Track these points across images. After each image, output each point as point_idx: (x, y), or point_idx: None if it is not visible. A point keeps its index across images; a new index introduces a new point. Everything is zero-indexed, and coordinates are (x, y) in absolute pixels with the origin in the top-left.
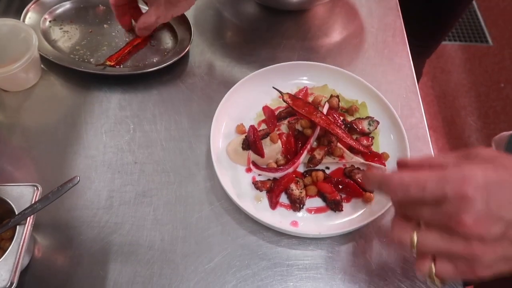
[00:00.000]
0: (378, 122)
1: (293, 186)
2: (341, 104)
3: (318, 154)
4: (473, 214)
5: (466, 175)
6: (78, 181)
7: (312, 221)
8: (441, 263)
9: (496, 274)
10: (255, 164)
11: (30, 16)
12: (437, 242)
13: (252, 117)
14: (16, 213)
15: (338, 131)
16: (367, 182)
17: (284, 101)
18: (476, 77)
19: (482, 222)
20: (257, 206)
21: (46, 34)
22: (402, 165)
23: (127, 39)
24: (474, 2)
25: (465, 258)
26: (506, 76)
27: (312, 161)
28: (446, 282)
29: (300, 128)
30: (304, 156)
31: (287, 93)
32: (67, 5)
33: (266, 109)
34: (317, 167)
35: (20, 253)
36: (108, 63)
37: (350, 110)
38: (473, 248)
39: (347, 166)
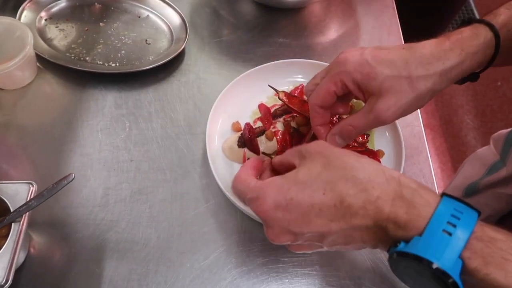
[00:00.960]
0: None
1: None
2: None
3: None
4: (269, 231)
5: (259, 197)
6: (73, 178)
7: None
8: None
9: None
10: None
11: (26, 14)
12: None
13: (248, 115)
14: (11, 211)
15: None
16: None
17: (280, 99)
18: None
19: (278, 236)
20: None
21: (42, 33)
22: (273, 163)
23: (122, 37)
24: (471, 1)
25: None
26: (503, 75)
27: None
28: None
29: (295, 126)
30: None
31: (283, 91)
32: (63, 4)
33: (262, 106)
34: None
35: (15, 250)
36: None
37: None
38: (292, 248)
39: None
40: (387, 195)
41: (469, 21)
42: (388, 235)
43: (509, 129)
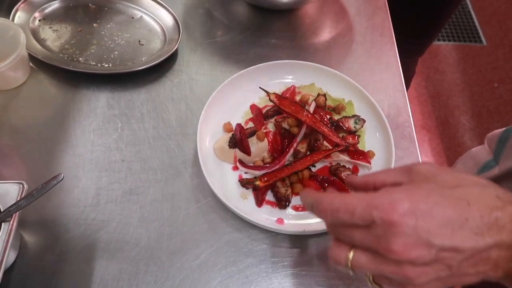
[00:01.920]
0: (364, 121)
1: (279, 184)
2: (328, 102)
3: (301, 148)
4: (401, 241)
5: (394, 201)
6: (62, 178)
7: (298, 218)
8: (375, 276)
9: None
10: (241, 162)
11: (20, 15)
12: (370, 264)
13: (240, 116)
14: (1, 211)
15: (324, 129)
16: (302, 201)
17: (271, 100)
18: (470, 77)
19: (410, 248)
20: (244, 204)
21: (35, 33)
22: (349, 183)
23: (116, 38)
24: (468, 2)
25: (397, 278)
26: (499, 76)
27: (297, 157)
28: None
29: (286, 127)
30: (290, 154)
31: (274, 93)
32: (56, 4)
33: (253, 107)
34: None
35: (5, 250)
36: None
37: (337, 109)
38: (404, 271)
39: (333, 164)
40: None
41: None
42: None
43: (503, 129)
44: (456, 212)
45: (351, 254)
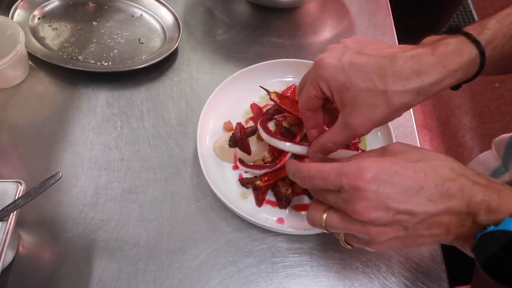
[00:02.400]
0: None
1: (279, 183)
2: None
3: None
4: (363, 203)
5: (360, 169)
6: (61, 177)
7: (298, 218)
8: (346, 236)
9: (390, 248)
10: (241, 162)
11: (19, 13)
12: (340, 223)
13: (240, 115)
14: None
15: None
16: (287, 170)
17: (271, 99)
18: None
19: (371, 210)
20: (244, 204)
21: (34, 31)
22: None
23: (115, 36)
24: (469, 2)
25: (363, 237)
26: (500, 76)
27: (297, 156)
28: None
29: (287, 126)
30: (290, 154)
31: (274, 92)
32: (56, 2)
33: (254, 106)
34: None
35: (2, 249)
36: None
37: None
38: (367, 230)
39: None
40: (480, 183)
41: (456, 29)
42: (476, 222)
43: (511, 134)
44: (413, 181)
45: (325, 215)
